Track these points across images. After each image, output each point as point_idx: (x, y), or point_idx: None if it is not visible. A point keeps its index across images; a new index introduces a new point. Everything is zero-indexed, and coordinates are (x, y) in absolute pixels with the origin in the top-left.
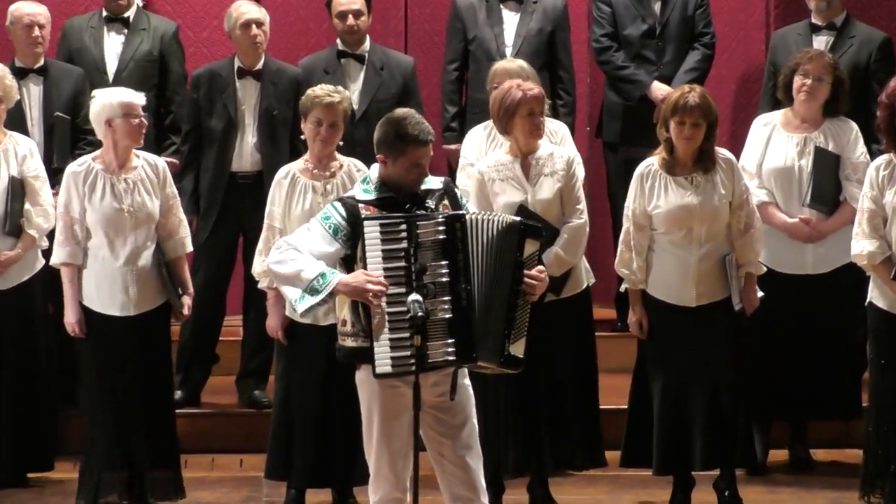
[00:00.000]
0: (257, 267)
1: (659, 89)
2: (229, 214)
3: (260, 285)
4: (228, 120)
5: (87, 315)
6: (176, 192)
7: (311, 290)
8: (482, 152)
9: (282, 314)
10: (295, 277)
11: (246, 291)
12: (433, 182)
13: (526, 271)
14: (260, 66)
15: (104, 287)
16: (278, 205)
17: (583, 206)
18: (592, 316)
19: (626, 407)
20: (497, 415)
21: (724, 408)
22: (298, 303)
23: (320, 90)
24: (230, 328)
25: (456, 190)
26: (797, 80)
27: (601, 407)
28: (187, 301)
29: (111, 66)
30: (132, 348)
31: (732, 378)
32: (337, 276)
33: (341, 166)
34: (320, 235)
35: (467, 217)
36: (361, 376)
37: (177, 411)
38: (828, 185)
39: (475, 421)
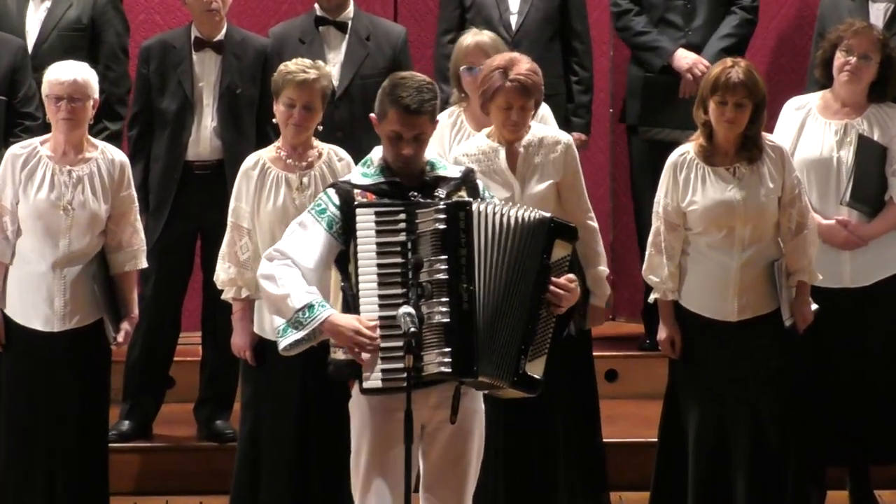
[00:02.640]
0: (221, 274)
1: (684, 58)
2: (184, 211)
3: (224, 296)
4: (183, 99)
5: (7, 325)
6: (135, 196)
7: (296, 323)
8: (444, 145)
9: (250, 330)
10: (280, 301)
11: (205, 303)
12: (450, 170)
13: (553, 278)
14: (221, 36)
15: (27, 294)
16: (245, 200)
17: (588, 204)
18: (590, 333)
19: (655, 440)
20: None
21: (771, 441)
22: (281, 336)
23: (294, 65)
24: (187, 346)
25: (479, 182)
26: (839, 57)
27: (626, 440)
28: (125, 327)
29: (31, 36)
30: (55, 370)
31: (781, 406)
32: (326, 312)
33: (320, 155)
34: (315, 232)
35: (475, 206)
36: (354, 400)
37: (125, 445)
38: (871, 180)
39: (478, 458)
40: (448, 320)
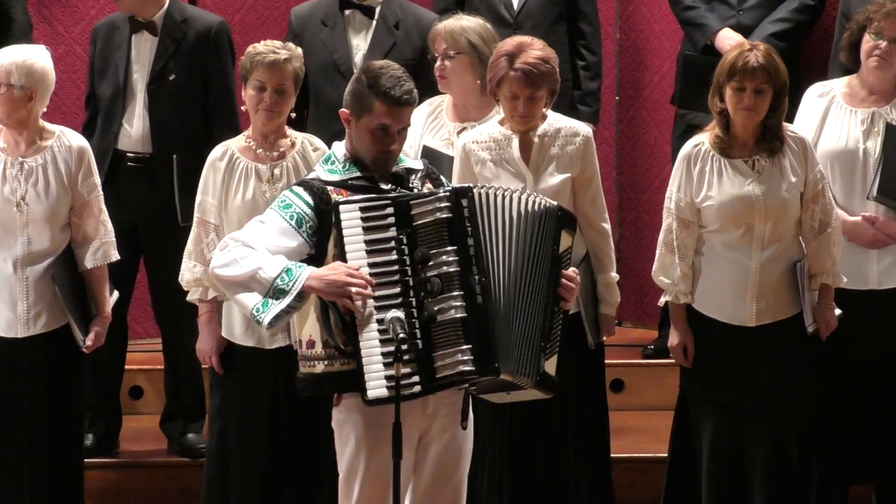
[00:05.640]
0: (186, 274)
1: (728, 38)
2: (117, 205)
3: (190, 297)
4: (116, 85)
5: None
6: (97, 184)
7: (276, 292)
8: (415, 139)
9: (217, 335)
10: (251, 279)
11: (156, 306)
12: (414, 162)
13: (562, 271)
14: (158, 16)
15: None
16: (212, 194)
17: (604, 204)
18: (602, 343)
19: (664, 455)
20: (484, 464)
21: (792, 458)
22: (262, 312)
23: (262, 46)
24: (155, 353)
25: (441, 177)
26: (867, 41)
27: (633, 455)
28: (96, 328)
29: None
30: (22, 379)
31: (803, 419)
32: (306, 270)
33: (293, 145)
34: (279, 228)
35: (476, 191)
36: (341, 416)
37: (89, 461)
38: None
39: (467, 467)
40: (464, 315)
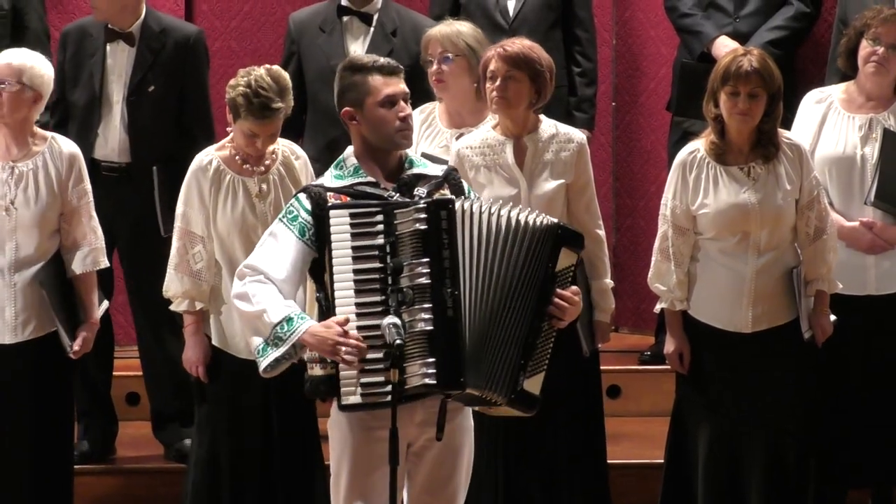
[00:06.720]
0: (172, 286)
1: (725, 46)
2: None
3: (176, 307)
4: (92, 94)
5: None
6: (88, 190)
7: (275, 339)
8: (412, 146)
9: (204, 345)
10: (257, 319)
11: (137, 314)
12: (430, 168)
13: (557, 290)
14: (135, 26)
15: None
16: (198, 206)
17: (598, 210)
18: (597, 349)
19: (661, 461)
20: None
21: (789, 464)
22: (260, 356)
23: (254, 96)
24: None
25: (463, 183)
26: (865, 47)
27: (630, 461)
28: (83, 333)
29: None
30: (10, 386)
31: (799, 424)
32: (305, 324)
33: (275, 157)
34: (288, 242)
35: (458, 205)
36: (333, 418)
37: (85, 466)
38: None
39: (466, 477)
40: (431, 328)
